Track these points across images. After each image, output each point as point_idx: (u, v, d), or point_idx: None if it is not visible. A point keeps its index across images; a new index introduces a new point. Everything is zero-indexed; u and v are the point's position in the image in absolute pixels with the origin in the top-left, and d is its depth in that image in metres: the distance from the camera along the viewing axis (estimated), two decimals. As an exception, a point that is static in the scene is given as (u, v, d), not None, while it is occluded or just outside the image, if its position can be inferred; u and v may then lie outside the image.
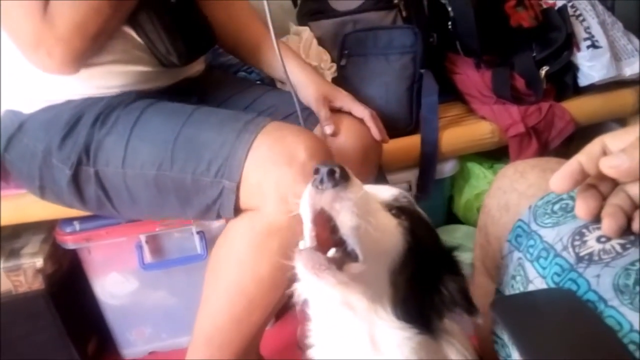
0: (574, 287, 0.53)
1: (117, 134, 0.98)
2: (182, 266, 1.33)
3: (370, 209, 0.57)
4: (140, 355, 1.46)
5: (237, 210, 0.94)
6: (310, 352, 0.68)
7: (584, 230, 0.56)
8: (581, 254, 0.55)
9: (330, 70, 1.53)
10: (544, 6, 1.54)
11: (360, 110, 1.13)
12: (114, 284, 1.36)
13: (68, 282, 1.33)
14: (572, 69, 1.45)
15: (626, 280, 0.49)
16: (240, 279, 0.93)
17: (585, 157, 0.51)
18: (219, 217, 0.97)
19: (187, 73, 1.18)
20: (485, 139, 1.43)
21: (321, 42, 1.57)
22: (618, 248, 0.52)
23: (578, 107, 1.46)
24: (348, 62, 1.49)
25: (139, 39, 1.03)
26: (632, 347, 0.46)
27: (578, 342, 0.47)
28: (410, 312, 0.60)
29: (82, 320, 1.39)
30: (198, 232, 1.30)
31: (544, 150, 1.43)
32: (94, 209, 1.07)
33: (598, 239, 0.54)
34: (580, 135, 1.67)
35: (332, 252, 0.56)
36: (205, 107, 1.04)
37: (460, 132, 1.43)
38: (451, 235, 1.54)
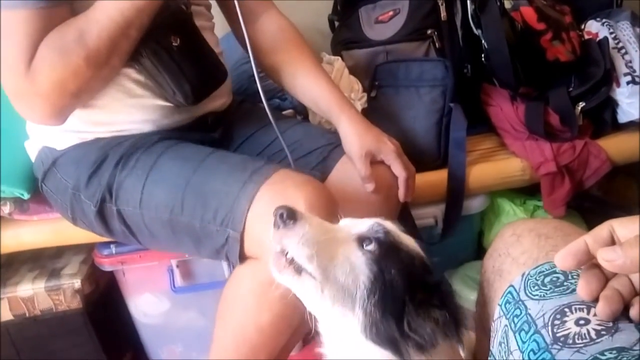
0: (546, 369, 0.53)
1: (136, 176, 1.02)
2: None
3: (320, 241, 0.67)
4: (171, 373, 1.52)
5: (244, 257, 0.97)
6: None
7: (566, 310, 0.55)
8: (558, 335, 0.54)
9: (361, 100, 1.53)
10: (586, 37, 1.48)
11: (400, 169, 1.11)
12: (147, 304, 1.43)
13: (104, 301, 1.42)
14: (611, 104, 1.38)
15: (593, 369, 0.48)
16: (243, 325, 0.96)
17: (592, 239, 0.51)
18: (228, 260, 1.00)
19: (209, 107, 1.18)
20: (516, 176, 1.38)
21: (354, 71, 1.58)
22: (593, 334, 0.51)
23: (616, 145, 1.39)
24: (378, 93, 1.49)
25: None
26: None
27: None
28: (380, 336, 0.66)
29: (117, 337, 1.47)
30: (225, 259, 1.35)
31: (578, 189, 1.37)
32: (121, 240, 1.14)
33: (577, 321, 0.53)
34: (625, 172, 1.59)
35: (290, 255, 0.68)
36: (220, 152, 1.06)
37: (489, 168, 1.40)
38: (479, 271, 1.50)
